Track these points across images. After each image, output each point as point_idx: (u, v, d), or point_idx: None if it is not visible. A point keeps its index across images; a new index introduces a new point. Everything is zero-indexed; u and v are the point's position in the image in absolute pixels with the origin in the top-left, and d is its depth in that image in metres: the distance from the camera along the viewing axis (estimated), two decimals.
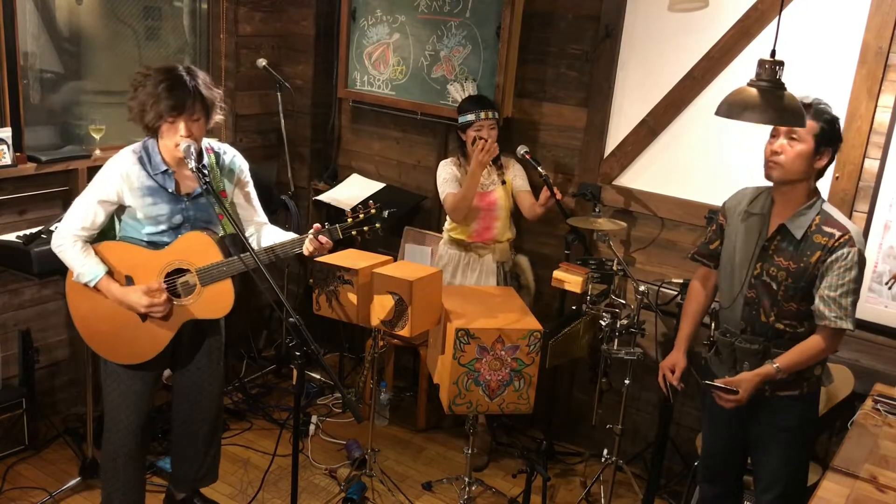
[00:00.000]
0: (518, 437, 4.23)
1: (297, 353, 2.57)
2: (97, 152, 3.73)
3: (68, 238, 2.79)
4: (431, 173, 4.43)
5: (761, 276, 2.69)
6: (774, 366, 2.61)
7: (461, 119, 3.76)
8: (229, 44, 4.46)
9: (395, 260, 3.42)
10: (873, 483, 2.42)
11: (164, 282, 2.84)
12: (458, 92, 3.94)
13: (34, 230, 3.33)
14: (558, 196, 3.70)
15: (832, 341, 2.61)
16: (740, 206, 2.80)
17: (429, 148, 4.48)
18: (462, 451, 3.69)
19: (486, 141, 3.63)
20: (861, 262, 2.56)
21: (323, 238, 2.82)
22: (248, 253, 2.72)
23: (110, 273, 2.82)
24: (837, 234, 2.56)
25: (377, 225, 2.85)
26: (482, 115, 3.71)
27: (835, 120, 2.58)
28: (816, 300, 2.59)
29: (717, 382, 2.67)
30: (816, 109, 2.56)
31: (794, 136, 2.57)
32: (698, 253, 2.98)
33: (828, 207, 2.64)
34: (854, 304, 2.57)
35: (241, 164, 3.02)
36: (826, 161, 2.60)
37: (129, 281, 2.85)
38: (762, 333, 2.71)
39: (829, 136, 2.57)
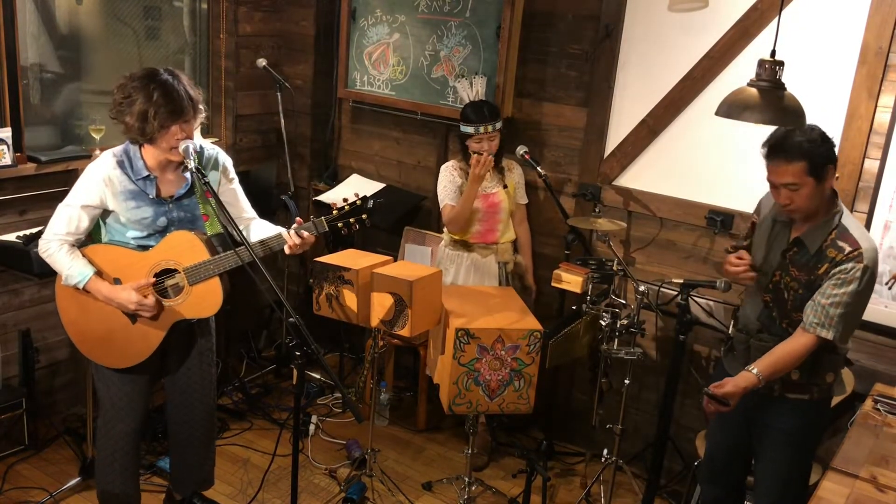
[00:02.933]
0: (518, 437, 4.22)
1: (297, 353, 2.56)
2: (97, 152, 3.71)
3: (54, 243, 2.78)
4: (432, 173, 4.43)
5: (779, 283, 2.69)
6: (754, 372, 2.60)
7: (462, 127, 3.72)
8: (229, 44, 4.46)
9: (395, 260, 3.42)
10: (873, 483, 2.42)
11: (154, 284, 2.83)
12: (466, 90, 3.86)
13: (34, 230, 3.34)
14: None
15: (811, 346, 2.58)
16: (770, 210, 2.78)
17: (429, 148, 4.47)
18: (462, 451, 3.69)
19: (482, 155, 3.61)
20: (865, 279, 2.52)
21: (304, 234, 2.81)
22: (240, 247, 2.72)
23: (99, 274, 2.81)
24: (848, 248, 2.53)
25: (364, 216, 2.84)
26: (482, 129, 3.66)
27: (815, 140, 2.51)
28: (808, 302, 2.59)
29: (716, 393, 2.62)
30: (791, 147, 2.51)
31: (793, 186, 2.53)
32: (734, 247, 2.96)
33: (846, 220, 2.60)
34: (844, 317, 2.53)
35: (225, 161, 3.00)
36: (833, 175, 2.57)
37: (118, 283, 2.84)
38: (777, 334, 2.71)
39: (821, 159, 2.51)
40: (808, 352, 2.60)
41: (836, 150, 2.61)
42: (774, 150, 2.54)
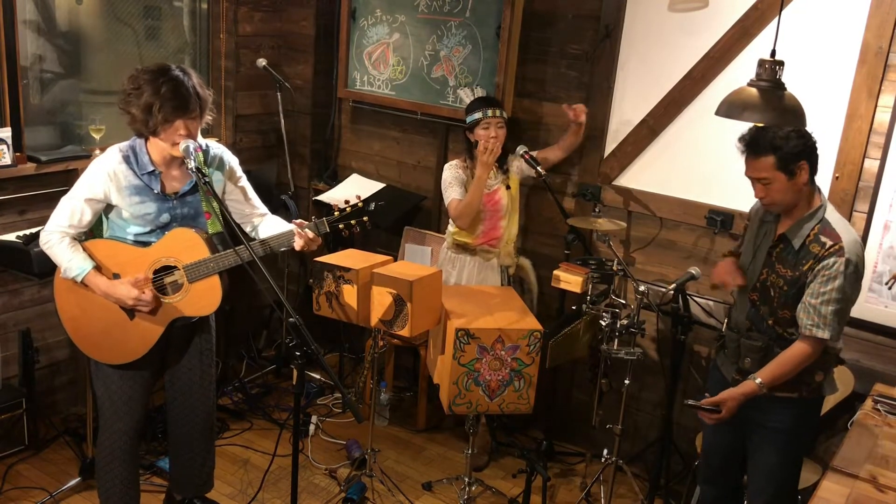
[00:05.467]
0: (518, 437, 4.22)
1: (297, 353, 2.57)
2: (97, 152, 3.71)
3: (56, 235, 2.78)
4: (431, 173, 4.44)
5: (766, 281, 2.71)
6: (757, 381, 2.61)
7: (469, 119, 3.74)
8: (229, 44, 4.46)
9: (395, 260, 3.42)
10: (873, 483, 2.42)
11: (153, 280, 2.84)
12: (468, 96, 3.94)
13: (34, 230, 3.33)
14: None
15: (812, 349, 2.60)
16: (757, 212, 2.82)
17: (429, 148, 4.47)
18: (462, 451, 3.69)
19: (490, 141, 3.62)
20: (849, 273, 2.53)
21: (310, 233, 2.82)
22: (240, 246, 2.72)
23: (98, 269, 2.81)
24: (829, 243, 2.55)
25: (364, 218, 2.85)
26: (489, 112, 3.69)
27: (787, 136, 2.52)
28: (798, 306, 2.60)
29: (702, 403, 2.67)
30: (762, 142, 2.53)
31: (764, 179, 2.57)
32: (733, 254, 2.99)
33: (830, 215, 2.62)
34: (837, 313, 2.54)
35: (230, 160, 3.01)
36: (807, 172, 2.57)
37: (117, 279, 2.84)
38: (765, 333, 2.73)
39: (792, 154, 2.53)
40: (810, 355, 2.61)
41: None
42: (747, 145, 2.59)
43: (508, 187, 3.83)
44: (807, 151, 2.56)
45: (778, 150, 2.53)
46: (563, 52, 3.94)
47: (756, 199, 2.87)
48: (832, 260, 2.53)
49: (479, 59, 4.10)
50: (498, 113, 3.71)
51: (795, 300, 2.63)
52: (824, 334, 2.55)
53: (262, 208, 3.11)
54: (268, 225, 3.04)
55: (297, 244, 2.84)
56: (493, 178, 3.80)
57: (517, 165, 3.88)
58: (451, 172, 3.79)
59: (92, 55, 4.00)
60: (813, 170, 2.59)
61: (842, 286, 2.53)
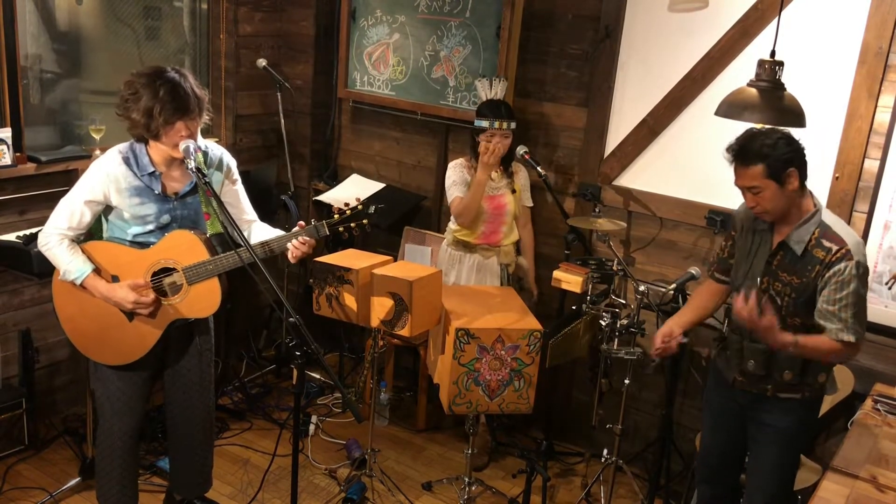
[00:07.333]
0: (518, 437, 4.22)
1: (297, 353, 2.57)
2: (97, 152, 3.72)
3: (55, 237, 2.77)
4: (432, 173, 4.44)
5: (768, 290, 2.69)
6: (794, 338, 2.56)
7: (476, 122, 3.72)
8: (229, 44, 4.46)
9: (395, 260, 3.42)
10: (873, 483, 2.42)
11: (151, 281, 2.84)
12: (485, 89, 3.85)
13: (34, 230, 3.34)
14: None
15: (838, 349, 2.57)
16: (748, 220, 2.78)
17: (429, 148, 4.48)
18: (462, 451, 3.69)
19: (491, 143, 3.61)
20: (861, 275, 2.53)
21: (303, 240, 2.82)
22: (240, 248, 2.73)
23: (97, 271, 2.81)
24: (835, 248, 2.54)
25: (364, 221, 2.85)
26: (496, 124, 3.65)
27: (774, 144, 2.50)
28: (816, 314, 2.59)
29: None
30: (750, 151, 2.51)
31: (754, 188, 2.55)
32: (718, 270, 2.94)
33: (827, 218, 2.61)
34: (856, 315, 2.54)
35: (229, 161, 3.01)
36: (797, 178, 2.54)
37: (116, 281, 2.84)
38: None
39: (780, 162, 2.50)
40: (834, 354, 2.59)
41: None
42: (735, 155, 2.56)
43: (514, 191, 3.83)
44: (796, 158, 2.53)
45: (767, 158, 2.50)
46: (563, 53, 3.94)
47: (739, 205, 2.86)
48: (843, 265, 2.52)
49: (479, 60, 4.10)
50: (505, 125, 3.67)
51: (806, 307, 2.61)
52: (850, 337, 2.54)
53: (252, 214, 3.11)
54: (256, 232, 3.04)
55: (291, 255, 2.84)
56: (498, 181, 3.80)
57: (524, 175, 3.89)
58: (456, 172, 3.79)
59: (92, 55, 4.00)
60: (802, 176, 2.56)
61: (856, 289, 2.52)
